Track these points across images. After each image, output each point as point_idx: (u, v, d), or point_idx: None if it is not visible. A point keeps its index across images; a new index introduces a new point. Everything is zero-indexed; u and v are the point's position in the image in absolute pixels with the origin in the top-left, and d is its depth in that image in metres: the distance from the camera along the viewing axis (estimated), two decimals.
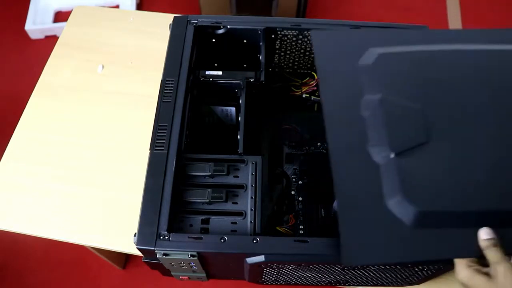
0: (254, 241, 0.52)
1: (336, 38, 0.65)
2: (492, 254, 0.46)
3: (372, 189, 0.51)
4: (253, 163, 0.61)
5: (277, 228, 0.69)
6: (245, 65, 0.79)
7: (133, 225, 0.54)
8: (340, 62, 0.61)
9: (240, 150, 0.63)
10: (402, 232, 0.49)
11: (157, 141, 0.59)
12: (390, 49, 0.62)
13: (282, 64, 0.80)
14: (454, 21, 1.87)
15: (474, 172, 0.52)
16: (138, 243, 0.52)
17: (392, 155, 0.52)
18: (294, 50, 0.76)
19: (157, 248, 0.52)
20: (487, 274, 0.46)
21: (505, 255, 0.46)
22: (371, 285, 0.67)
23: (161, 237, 0.52)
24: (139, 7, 1.89)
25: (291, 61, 0.79)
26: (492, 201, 0.51)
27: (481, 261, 0.48)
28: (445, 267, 0.56)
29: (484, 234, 0.47)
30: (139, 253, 0.56)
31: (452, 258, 0.50)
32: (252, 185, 0.59)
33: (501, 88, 0.59)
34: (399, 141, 0.53)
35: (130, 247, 0.70)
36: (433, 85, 0.59)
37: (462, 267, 0.48)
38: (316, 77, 0.79)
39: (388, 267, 0.57)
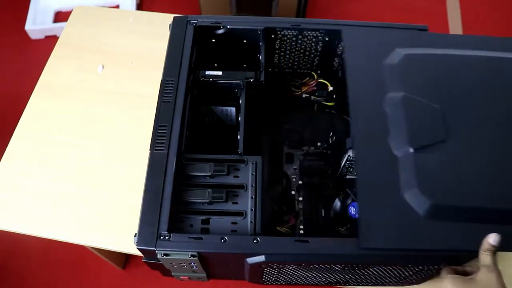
0: (255, 241, 0.52)
1: (365, 36, 0.68)
2: (488, 258, 0.50)
3: (390, 179, 0.55)
4: (253, 163, 0.61)
5: (277, 228, 0.69)
6: (245, 65, 0.79)
7: (133, 225, 0.54)
8: (367, 59, 0.66)
9: (240, 150, 0.63)
10: (416, 222, 0.53)
11: (157, 141, 0.59)
12: (415, 50, 0.66)
13: (282, 64, 0.80)
14: (454, 21, 1.87)
15: (487, 171, 0.56)
16: (138, 243, 0.52)
17: (411, 150, 0.56)
18: (294, 50, 0.76)
19: (157, 248, 0.52)
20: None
21: (496, 263, 0.50)
22: (371, 285, 0.67)
23: (162, 237, 0.52)
24: (139, 7, 1.89)
25: (291, 61, 0.79)
26: (502, 199, 0.54)
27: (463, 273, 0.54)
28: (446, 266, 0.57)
29: (493, 241, 0.50)
30: (139, 253, 0.56)
31: (459, 250, 0.53)
32: (252, 185, 0.59)
33: None
34: (419, 137, 0.57)
35: (130, 247, 0.70)
36: (453, 87, 0.63)
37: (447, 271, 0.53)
38: (316, 77, 0.79)
39: (389, 267, 0.57)
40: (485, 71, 0.65)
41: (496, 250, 0.50)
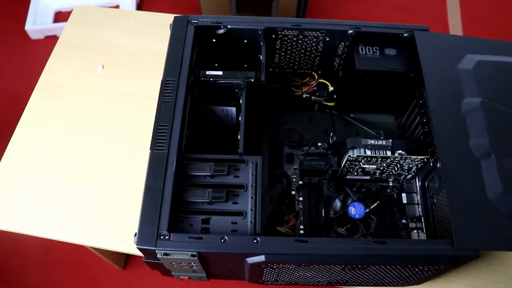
0: (255, 241, 0.52)
1: (436, 41, 0.70)
2: None
3: (475, 181, 0.57)
4: (253, 163, 0.61)
5: (277, 228, 0.69)
6: (245, 65, 0.79)
7: (133, 225, 0.54)
8: (441, 63, 0.68)
9: (240, 150, 0.63)
10: (504, 223, 0.55)
11: (158, 141, 0.59)
12: (486, 57, 0.69)
13: (283, 64, 0.80)
14: (454, 21, 1.87)
15: None
16: (138, 243, 0.52)
17: (493, 155, 0.59)
18: (294, 50, 0.76)
19: (157, 248, 0.52)
20: None
21: None
22: (371, 285, 0.67)
23: (162, 237, 0.52)
24: (139, 7, 1.89)
25: (291, 61, 0.79)
26: None
27: None
28: (445, 267, 0.56)
29: None
30: (139, 253, 0.56)
31: None
32: (252, 185, 0.59)
33: None
34: (500, 143, 0.60)
35: (130, 247, 0.70)
36: None
37: None
38: (316, 77, 0.79)
39: (389, 267, 0.57)
40: None
41: None
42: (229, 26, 0.71)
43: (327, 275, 0.61)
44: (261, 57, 0.71)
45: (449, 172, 0.58)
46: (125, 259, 1.32)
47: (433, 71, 0.66)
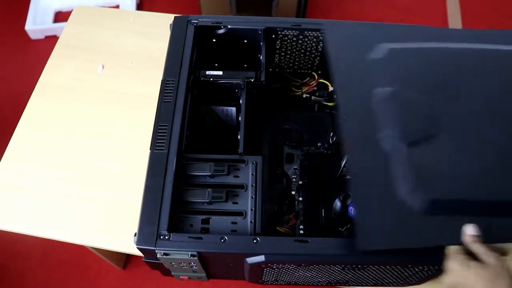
0: (254, 241, 0.52)
1: (348, 32, 0.67)
2: (478, 247, 0.47)
3: (383, 176, 0.54)
4: (253, 163, 0.61)
5: (277, 228, 0.69)
6: (245, 65, 0.79)
7: (133, 225, 0.53)
8: (352, 55, 0.64)
9: (240, 150, 0.63)
10: (413, 219, 0.51)
11: (158, 141, 0.59)
12: (399, 45, 0.65)
13: (283, 64, 0.80)
14: (454, 21, 1.87)
15: (482, 162, 0.55)
16: (138, 243, 0.52)
17: (403, 145, 0.55)
18: (294, 50, 0.76)
19: (157, 248, 0.52)
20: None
21: (490, 248, 0.47)
22: (371, 285, 0.67)
23: (161, 237, 0.52)
24: (139, 7, 1.89)
25: (291, 61, 0.79)
26: (498, 191, 0.53)
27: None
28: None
29: (470, 231, 0.48)
30: (139, 253, 0.56)
31: (459, 244, 0.50)
32: (252, 185, 0.59)
33: (507, 85, 0.62)
34: (410, 132, 0.56)
35: (130, 247, 0.70)
36: (441, 80, 0.62)
37: (455, 253, 0.48)
38: (316, 77, 0.79)
39: (389, 267, 0.57)
40: (472, 63, 0.64)
41: (481, 238, 0.48)
42: (229, 26, 0.71)
43: (327, 275, 0.61)
44: (261, 57, 0.72)
45: (353, 171, 0.55)
46: (125, 259, 1.32)
47: (342, 64, 0.63)
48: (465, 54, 0.65)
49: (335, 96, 0.61)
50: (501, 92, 0.62)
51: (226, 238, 0.52)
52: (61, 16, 1.87)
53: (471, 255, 0.48)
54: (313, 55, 0.77)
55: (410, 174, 0.53)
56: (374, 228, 0.51)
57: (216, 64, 0.80)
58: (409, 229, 0.51)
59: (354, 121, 0.58)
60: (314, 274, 0.60)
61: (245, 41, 0.74)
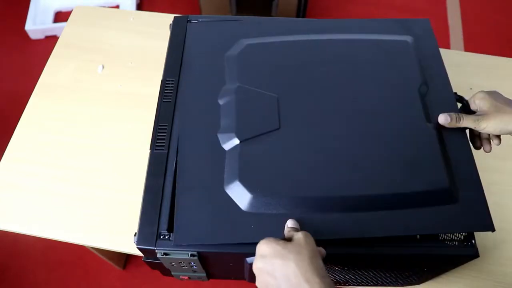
0: None
1: (210, 29, 0.67)
2: (293, 233, 0.47)
3: (215, 174, 0.54)
4: None
5: None
6: None
7: (133, 225, 0.54)
8: (207, 52, 0.64)
9: None
10: (236, 215, 0.51)
11: (157, 141, 0.59)
12: (258, 40, 0.65)
13: None
14: (454, 21, 1.87)
15: (319, 158, 0.54)
16: (138, 242, 0.52)
17: (238, 142, 0.55)
18: None
19: (157, 248, 0.52)
20: None
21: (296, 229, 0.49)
22: (371, 285, 0.67)
23: (161, 237, 0.52)
24: (139, 7, 1.90)
25: None
26: (325, 187, 0.52)
27: None
28: (445, 266, 0.56)
29: (290, 224, 0.50)
30: (139, 253, 0.56)
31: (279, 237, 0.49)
32: None
33: (355, 74, 0.62)
34: (245, 128, 0.56)
35: (130, 247, 0.70)
36: (292, 74, 0.61)
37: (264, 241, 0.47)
38: None
39: (389, 267, 0.57)
40: (328, 55, 0.63)
41: (297, 228, 0.49)
42: None
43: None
44: None
45: (182, 167, 0.55)
46: (125, 259, 1.32)
47: (195, 62, 0.63)
48: (324, 45, 0.64)
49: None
50: (351, 83, 0.61)
51: None
52: (61, 16, 1.87)
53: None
54: None
55: (237, 171, 0.53)
56: (194, 223, 0.51)
57: None
58: (231, 224, 0.51)
59: (193, 118, 0.58)
60: None
61: None
